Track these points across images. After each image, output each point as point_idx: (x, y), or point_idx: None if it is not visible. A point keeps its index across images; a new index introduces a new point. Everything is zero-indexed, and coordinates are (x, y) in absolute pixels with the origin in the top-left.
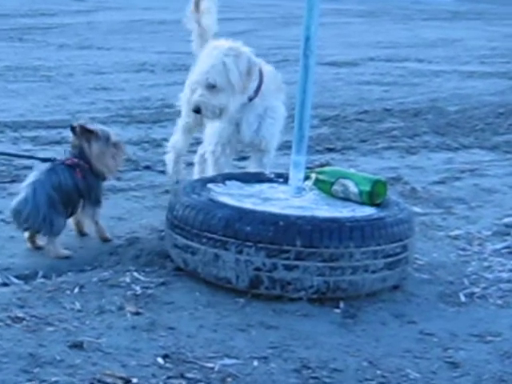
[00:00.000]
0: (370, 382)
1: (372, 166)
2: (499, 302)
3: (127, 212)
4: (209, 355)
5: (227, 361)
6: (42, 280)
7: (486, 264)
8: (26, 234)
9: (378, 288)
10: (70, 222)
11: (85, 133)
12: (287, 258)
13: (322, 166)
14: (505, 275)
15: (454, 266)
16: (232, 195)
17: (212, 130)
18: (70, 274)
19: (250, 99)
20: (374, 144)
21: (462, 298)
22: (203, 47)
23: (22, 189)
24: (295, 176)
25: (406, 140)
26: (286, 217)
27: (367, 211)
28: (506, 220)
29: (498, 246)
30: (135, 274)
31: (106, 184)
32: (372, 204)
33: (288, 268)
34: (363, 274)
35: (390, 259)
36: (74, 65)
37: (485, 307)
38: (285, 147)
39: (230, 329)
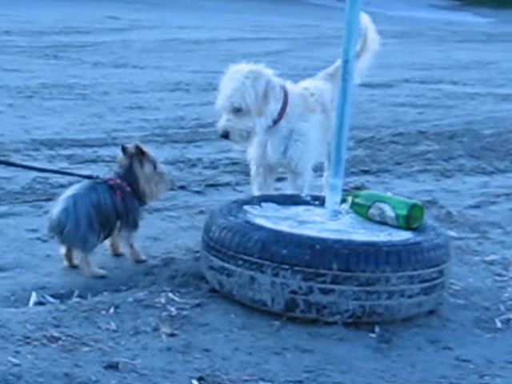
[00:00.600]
0: None
1: (407, 188)
2: None
3: (162, 232)
4: (244, 378)
5: None
6: (78, 299)
7: None
8: (63, 251)
9: (413, 313)
10: (106, 241)
11: (139, 154)
12: (323, 282)
13: (357, 188)
14: None
15: (490, 291)
16: (268, 217)
17: (250, 151)
18: (105, 293)
19: (275, 122)
20: (408, 167)
21: (498, 324)
22: None
23: (61, 200)
24: (332, 199)
25: (440, 163)
26: (322, 240)
27: (404, 235)
28: None
29: None
30: (170, 294)
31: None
32: (408, 228)
33: (324, 292)
34: (399, 299)
35: (426, 284)
36: (109, 83)
37: None
38: (319, 169)
39: (265, 352)
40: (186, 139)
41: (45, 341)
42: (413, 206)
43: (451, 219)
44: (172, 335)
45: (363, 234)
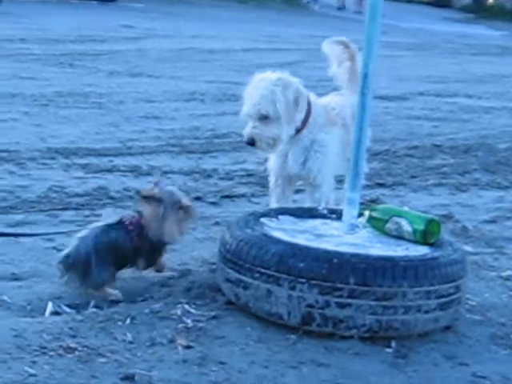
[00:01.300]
0: None
1: (422, 202)
2: None
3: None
4: None
5: None
6: (94, 310)
7: None
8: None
9: (430, 328)
10: None
11: (146, 198)
12: (340, 296)
13: (373, 201)
14: None
15: (506, 307)
16: (285, 230)
17: (270, 162)
18: (121, 304)
19: (297, 131)
20: (424, 180)
21: None
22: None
23: (75, 239)
24: (349, 213)
25: (456, 177)
26: (340, 254)
27: (421, 250)
28: None
29: None
30: (186, 306)
31: None
32: (425, 243)
33: (341, 306)
34: (416, 314)
35: (443, 300)
36: (125, 92)
37: None
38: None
39: (281, 365)
40: (202, 150)
41: (61, 351)
42: (430, 221)
43: (467, 234)
44: (188, 347)
45: (380, 248)
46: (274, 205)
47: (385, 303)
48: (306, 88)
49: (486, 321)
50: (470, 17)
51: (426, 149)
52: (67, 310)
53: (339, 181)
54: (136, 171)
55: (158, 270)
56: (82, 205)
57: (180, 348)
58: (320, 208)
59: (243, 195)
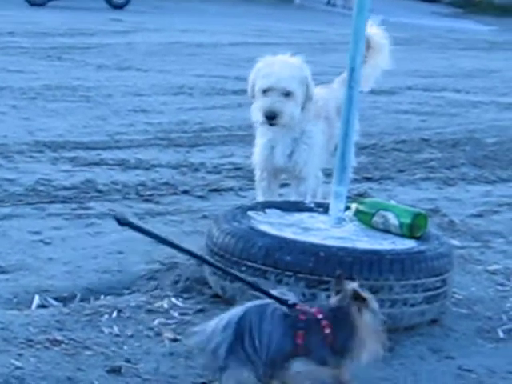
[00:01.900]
0: None
1: (410, 196)
2: None
3: (165, 236)
4: None
5: None
6: (81, 303)
7: None
8: None
9: (416, 322)
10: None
11: (358, 299)
12: (327, 289)
13: (360, 195)
14: None
15: (492, 301)
16: (272, 224)
17: (255, 155)
18: (108, 297)
19: None
20: (411, 174)
21: (501, 334)
22: None
23: (219, 319)
24: (336, 206)
25: (443, 171)
26: (326, 248)
27: (407, 244)
28: None
29: None
30: (173, 299)
31: (144, 207)
32: (412, 237)
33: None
34: (402, 308)
35: (430, 293)
36: (113, 85)
37: None
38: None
39: None
40: (189, 143)
41: (48, 344)
42: (417, 215)
43: (454, 228)
44: (175, 340)
45: (367, 241)
46: (259, 198)
47: None
48: None
49: (472, 314)
50: (459, 11)
51: (413, 143)
52: (54, 302)
53: (327, 174)
54: (124, 164)
55: None
56: (70, 198)
57: (167, 341)
58: (307, 202)
59: (231, 189)
